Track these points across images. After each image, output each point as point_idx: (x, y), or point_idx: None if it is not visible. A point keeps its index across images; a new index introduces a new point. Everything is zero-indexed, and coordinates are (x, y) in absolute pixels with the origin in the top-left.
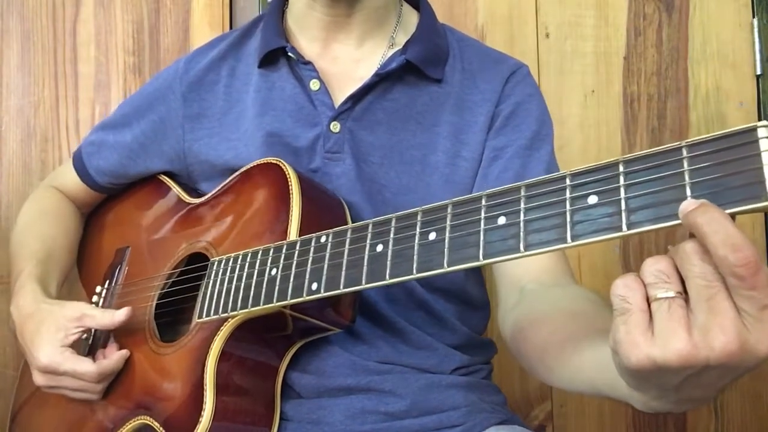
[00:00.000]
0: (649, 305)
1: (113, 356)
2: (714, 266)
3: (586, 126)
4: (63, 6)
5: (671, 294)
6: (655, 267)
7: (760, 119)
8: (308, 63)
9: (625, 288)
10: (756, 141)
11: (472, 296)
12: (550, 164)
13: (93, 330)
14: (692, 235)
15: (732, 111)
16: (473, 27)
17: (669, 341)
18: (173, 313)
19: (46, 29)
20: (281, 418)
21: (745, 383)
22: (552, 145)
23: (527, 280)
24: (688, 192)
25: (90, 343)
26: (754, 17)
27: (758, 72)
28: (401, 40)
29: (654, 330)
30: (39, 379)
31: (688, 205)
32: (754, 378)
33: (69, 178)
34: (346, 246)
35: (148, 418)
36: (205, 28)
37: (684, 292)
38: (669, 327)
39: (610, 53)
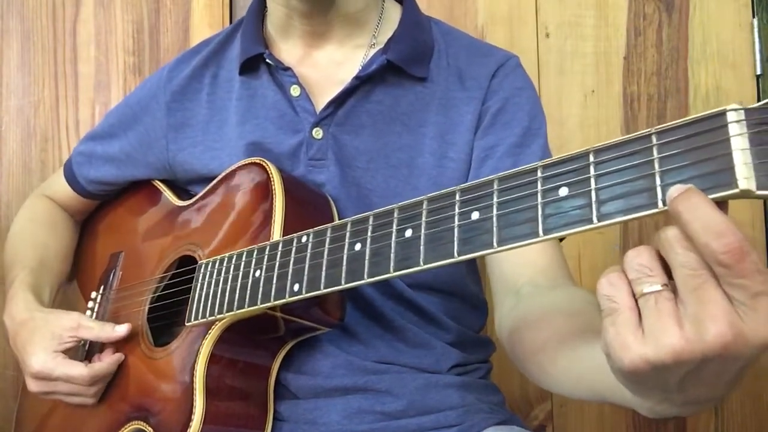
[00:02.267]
0: (636, 301)
1: (106, 359)
2: (699, 253)
3: (586, 126)
4: (63, 6)
5: (657, 287)
6: (636, 261)
7: None
8: (287, 69)
9: (610, 287)
10: (725, 125)
11: (469, 295)
12: (543, 159)
13: None
14: None
15: None
16: (473, 27)
17: (660, 338)
18: (168, 316)
19: (46, 29)
20: (277, 419)
21: (745, 383)
22: (545, 138)
23: (523, 283)
24: (658, 181)
25: (87, 349)
26: (754, 17)
27: (758, 72)
28: (383, 38)
29: (644, 328)
30: (32, 385)
31: (673, 192)
32: (754, 378)
33: (60, 187)
34: (326, 246)
35: (142, 423)
36: (205, 28)
37: (671, 281)
38: (659, 323)
39: (610, 53)
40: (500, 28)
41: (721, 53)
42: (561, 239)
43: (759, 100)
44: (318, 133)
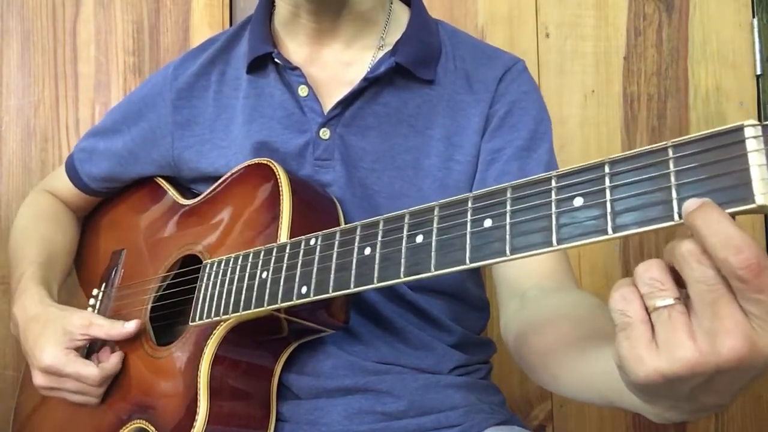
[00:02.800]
0: (649, 314)
1: (112, 359)
2: (715, 269)
3: (586, 126)
4: (63, 6)
5: (669, 301)
6: (647, 275)
7: (760, 119)
8: (296, 68)
9: (623, 301)
10: (743, 141)
11: (471, 297)
12: (550, 163)
13: None
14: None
15: (732, 111)
16: (473, 27)
17: (674, 351)
18: (171, 315)
19: (46, 29)
20: (278, 419)
21: None
22: (551, 142)
23: (528, 286)
24: (674, 194)
25: (87, 347)
26: (754, 17)
27: (758, 72)
28: (392, 40)
29: (657, 341)
30: (39, 379)
31: (689, 205)
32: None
33: (62, 183)
34: (335, 249)
35: (144, 422)
36: (205, 28)
37: (683, 294)
38: (672, 336)
39: (610, 53)
40: (500, 28)
41: (721, 53)
42: None
43: (759, 100)
44: (325, 133)
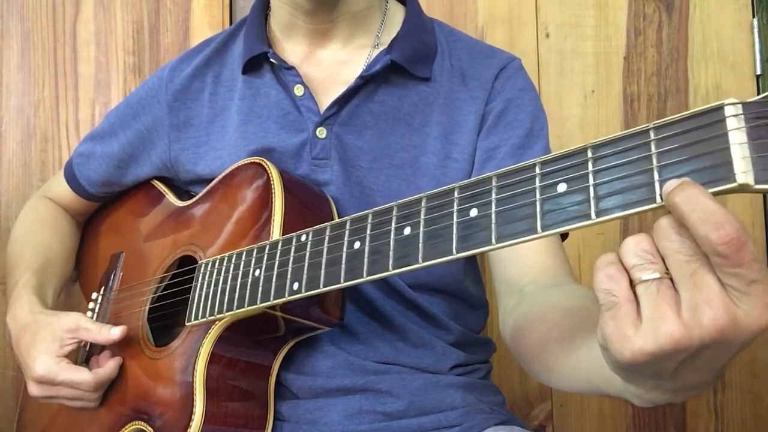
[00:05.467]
0: (635, 292)
1: (108, 364)
2: (693, 241)
3: (586, 126)
4: (63, 6)
5: (657, 275)
6: (639, 247)
7: None
8: (291, 68)
9: (609, 281)
10: (723, 120)
11: (470, 295)
12: None
13: None
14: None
15: None
16: (473, 27)
17: (659, 327)
18: (169, 316)
19: (46, 29)
20: (278, 419)
21: (745, 383)
22: (547, 139)
23: (526, 282)
24: (656, 176)
25: (87, 350)
26: (754, 17)
27: (758, 72)
28: (387, 38)
29: (642, 317)
30: (34, 389)
31: (669, 185)
32: (754, 378)
33: (61, 188)
34: (325, 244)
35: (143, 423)
36: (205, 28)
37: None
38: (657, 311)
39: (610, 53)
40: (500, 28)
41: (721, 53)
42: (564, 237)
43: None
44: (321, 132)
